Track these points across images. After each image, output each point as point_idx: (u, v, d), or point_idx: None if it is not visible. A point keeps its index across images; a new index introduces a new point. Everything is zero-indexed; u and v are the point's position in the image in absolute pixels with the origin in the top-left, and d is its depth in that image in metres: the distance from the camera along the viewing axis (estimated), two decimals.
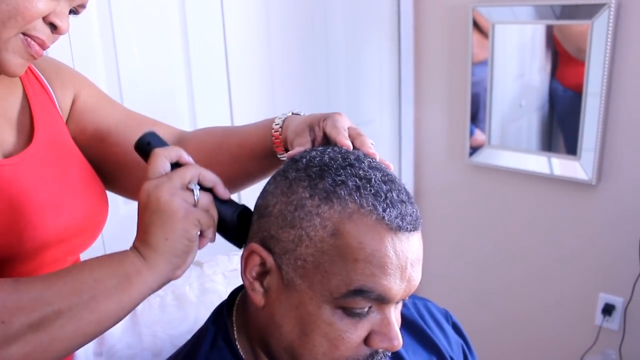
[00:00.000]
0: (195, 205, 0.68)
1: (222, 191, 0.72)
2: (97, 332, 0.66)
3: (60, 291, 0.63)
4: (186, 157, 0.71)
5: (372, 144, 0.73)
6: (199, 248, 0.70)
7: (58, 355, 0.64)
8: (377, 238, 0.62)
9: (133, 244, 0.68)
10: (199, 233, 0.68)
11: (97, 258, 0.68)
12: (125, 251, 0.68)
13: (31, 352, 0.61)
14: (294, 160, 0.69)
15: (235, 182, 0.90)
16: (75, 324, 0.63)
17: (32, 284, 0.63)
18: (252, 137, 0.86)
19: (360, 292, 0.63)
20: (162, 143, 0.73)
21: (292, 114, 0.83)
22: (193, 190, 0.68)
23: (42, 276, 0.65)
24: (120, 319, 0.67)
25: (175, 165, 0.70)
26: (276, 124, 0.82)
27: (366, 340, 0.66)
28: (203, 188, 0.70)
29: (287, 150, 0.81)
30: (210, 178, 0.71)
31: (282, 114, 0.84)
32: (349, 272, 0.62)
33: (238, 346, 0.74)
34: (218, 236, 0.73)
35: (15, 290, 0.62)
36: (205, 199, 0.69)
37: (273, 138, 0.82)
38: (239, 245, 0.74)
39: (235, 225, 0.72)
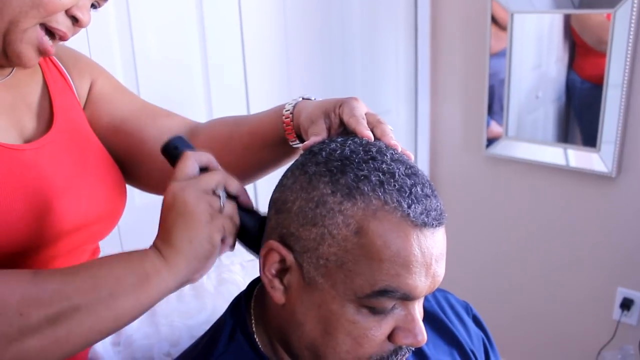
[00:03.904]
0: (220, 211, 0.67)
1: (246, 199, 0.71)
2: (114, 329, 0.66)
3: (80, 286, 0.62)
4: (215, 163, 0.71)
5: (391, 129, 0.70)
6: (219, 255, 0.69)
7: (74, 349, 0.63)
8: (402, 236, 0.60)
9: (154, 243, 0.67)
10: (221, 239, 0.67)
11: (117, 255, 0.67)
12: (146, 250, 0.67)
13: (48, 345, 0.61)
14: (312, 153, 0.67)
15: (249, 171, 0.88)
16: (93, 320, 0.62)
17: (51, 278, 0.63)
18: (263, 124, 0.85)
19: (384, 293, 0.61)
20: (190, 147, 0.73)
21: (303, 99, 0.81)
22: (220, 196, 0.67)
23: (61, 270, 0.65)
24: (137, 317, 0.67)
25: (204, 170, 0.70)
26: (286, 110, 0.80)
27: (390, 337, 0.65)
28: (228, 195, 0.69)
29: (299, 137, 0.80)
30: (236, 186, 0.70)
31: (293, 99, 0.82)
32: (373, 272, 0.61)
33: (257, 339, 0.73)
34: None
35: (34, 284, 0.61)
36: (230, 206, 0.68)
37: (284, 125, 0.80)
38: (258, 255, 0.73)
39: (257, 235, 0.71)
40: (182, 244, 0.65)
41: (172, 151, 0.72)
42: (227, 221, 0.67)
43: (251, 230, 0.71)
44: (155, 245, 0.67)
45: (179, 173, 0.68)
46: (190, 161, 0.69)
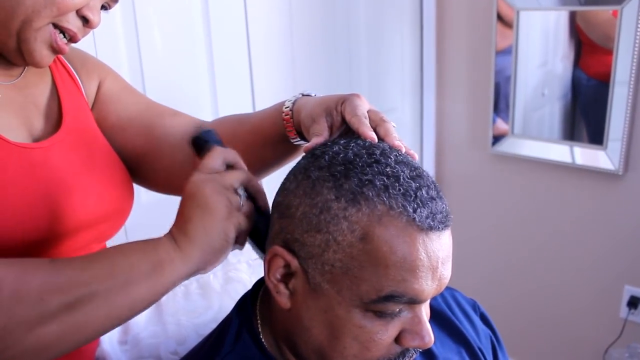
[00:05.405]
0: (239, 209, 0.68)
1: (263, 202, 0.73)
2: (128, 316, 0.66)
3: (97, 274, 0.63)
4: (241, 163, 0.72)
5: (394, 126, 0.70)
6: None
7: (89, 337, 0.65)
8: (408, 241, 0.59)
9: (171, 230, 0.68)
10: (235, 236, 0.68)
11: (132, 243, 0.68)
12: (161, 238, 0.68)
13: (66, 331, 0.61)
14: (314, 156, 0.66)
15: (251, 170, 0.88)
16: (108, 307, 0.63)
17: (69, 265, 0.64)
18: (265, 122, 0.85)
19: (391, 298, 0.61)
20: (219, 142, 0.75)
21: (303, 95, 0.81)
22: (240, 194, 0.69)
23: (79, 257, 0.66)
24: (151, 304, 0.68)
25: (229, 167, 0.72)
26: (286, 107, 0.80)
27: (397, 339, 0.64)
28: (247, 195, 0.71)
29: (300, 134, 0.79)
30: (257, 187, 0.72)
31: (293, 96, 0.81)
32: (379, 278, 0.60)
33: (262, 339, 0.72)
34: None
35: (54, 270, 0.63)
36: (248, 205, 0.70)
37: (284, 122, 0.80)
38: (263, 255, 0.73)
39: (266, 237, 0.71)
40: (198, 234, 0.66)
41: (202, 143, 0.74)
42: (243, 219, 0.68)
43: (262, 232, 0.71)
44: (171, 233, 0.68)
45: (204, 165, 0.69)
46: (218, 156, 0.70)
